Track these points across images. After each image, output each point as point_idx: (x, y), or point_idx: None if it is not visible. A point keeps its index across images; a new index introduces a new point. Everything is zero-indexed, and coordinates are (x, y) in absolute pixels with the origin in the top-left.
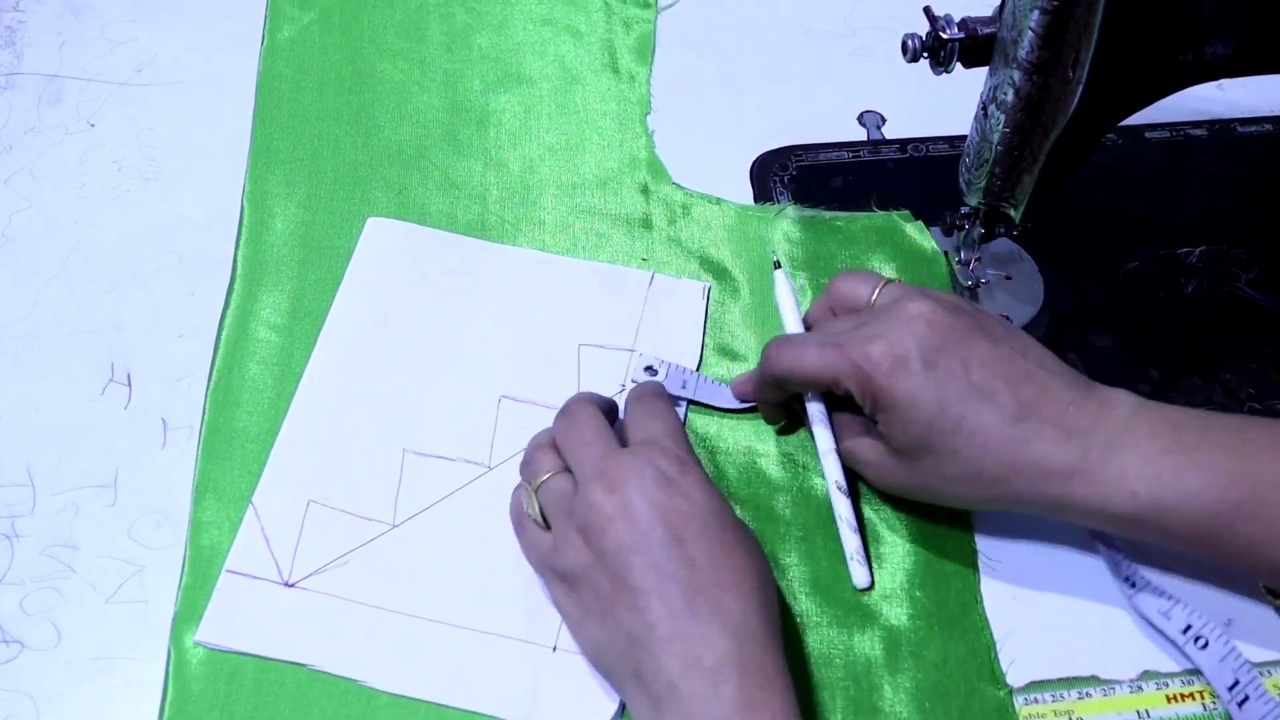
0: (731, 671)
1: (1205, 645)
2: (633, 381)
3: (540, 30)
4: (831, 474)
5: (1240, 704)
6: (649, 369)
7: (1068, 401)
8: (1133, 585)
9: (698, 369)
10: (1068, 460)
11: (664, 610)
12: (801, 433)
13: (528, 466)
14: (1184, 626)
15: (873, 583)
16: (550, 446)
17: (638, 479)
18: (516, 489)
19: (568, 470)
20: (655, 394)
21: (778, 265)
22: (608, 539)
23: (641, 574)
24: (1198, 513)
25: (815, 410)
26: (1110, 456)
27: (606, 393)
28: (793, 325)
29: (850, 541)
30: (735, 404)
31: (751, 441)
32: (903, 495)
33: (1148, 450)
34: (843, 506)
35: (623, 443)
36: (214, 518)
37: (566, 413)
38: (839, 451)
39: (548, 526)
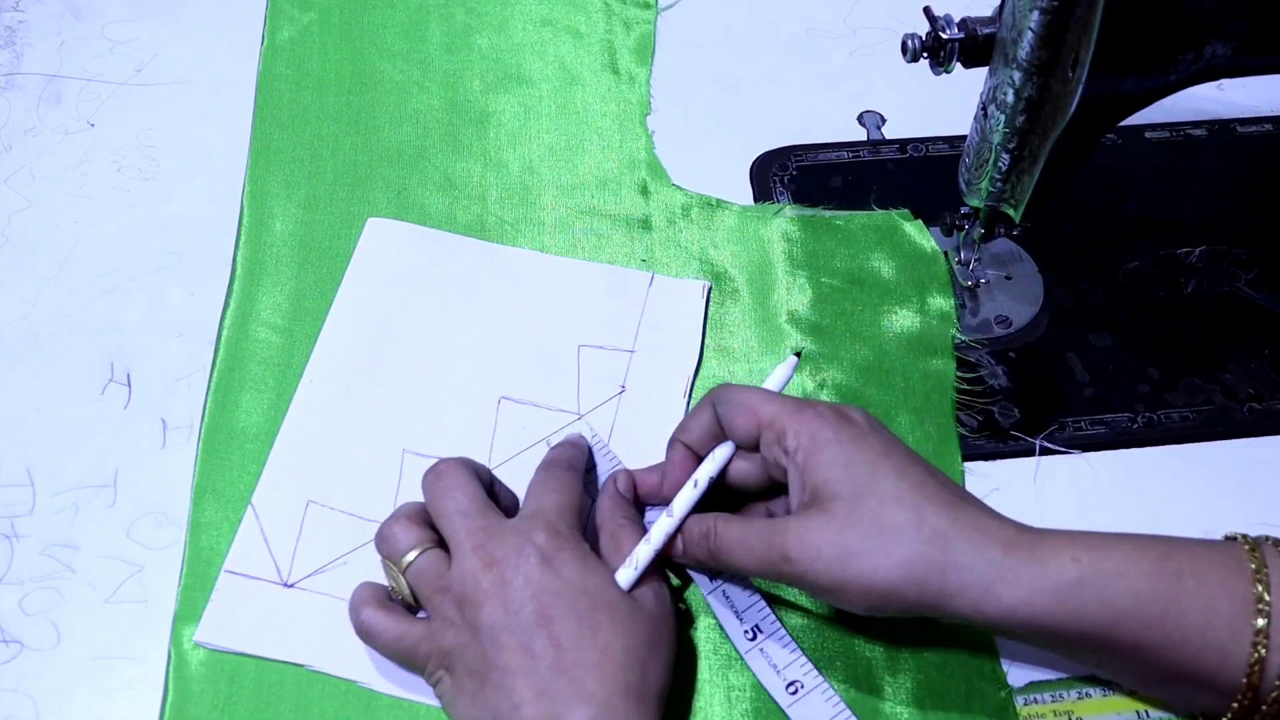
0: None
1: (798, 691)
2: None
3: (540, 31)
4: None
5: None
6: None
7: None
8: (753, 637)
9: (697, 368)
10: (1008, 532)
11: (529, 691)
12: None
13: (389, 543)
14: (788, 683)
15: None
16: (412, 520)
17: (515, 556)
18: (359, 586)
19: (437, 545)
20: (564, 465)
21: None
22: (482, 616)
23: (510, 654)
24: (1140, 583)
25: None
26: (1044, 536)
27: (604, 395)
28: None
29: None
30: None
31: None
32: (814, 582)
33: (1074, 532)
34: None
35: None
36: (213, 518)
37: (438, 475)
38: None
39: (416, 603)
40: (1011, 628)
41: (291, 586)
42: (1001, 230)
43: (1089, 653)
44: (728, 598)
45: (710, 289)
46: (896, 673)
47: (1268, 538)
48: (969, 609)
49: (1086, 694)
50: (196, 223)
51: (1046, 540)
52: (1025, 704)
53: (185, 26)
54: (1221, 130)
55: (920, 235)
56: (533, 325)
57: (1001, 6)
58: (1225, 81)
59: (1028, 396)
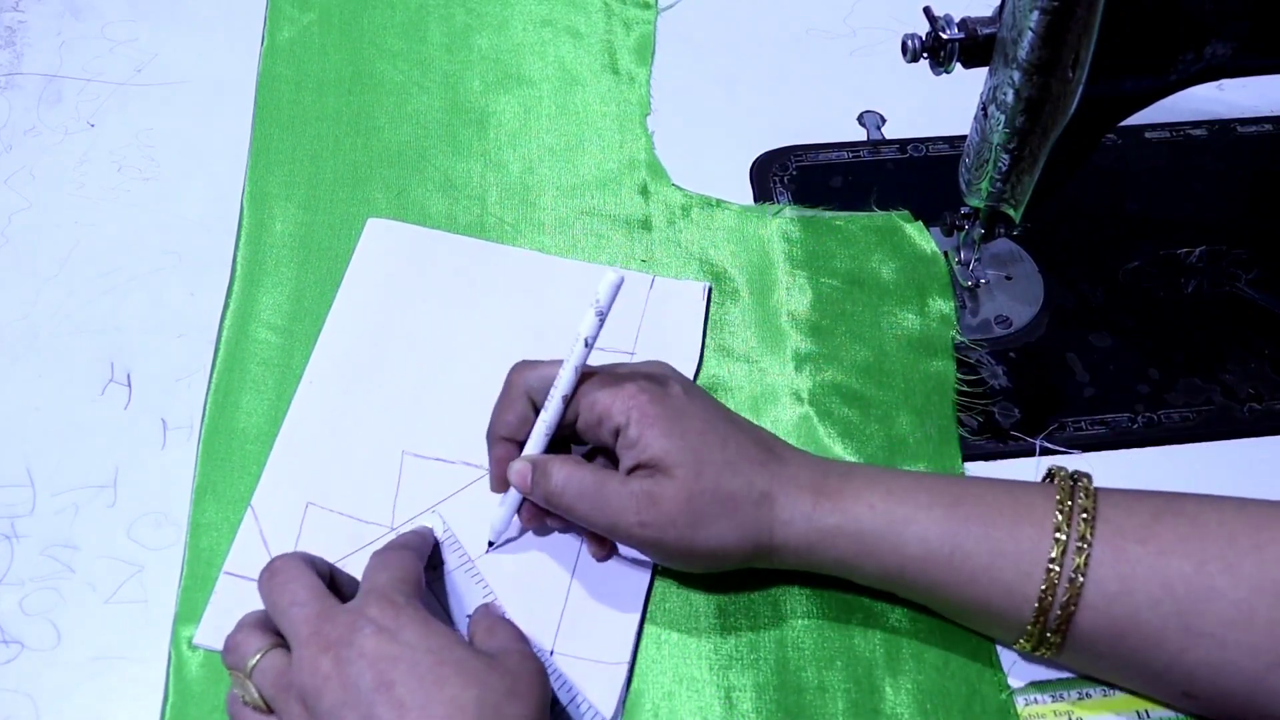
0: None
1: None
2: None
3: (540, 31)
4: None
5: None
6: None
7: (797, 450)
8: None
9: (698, 369)
10: (817, 478)
11: None
12: (801, 434)
13: (233, 653)
14: None
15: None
16: (255, 626)
17: (350, 632)
18: (232, 688)
19: (279, 645)
20: (398, 545)
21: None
22: (324, 701)
23: None
24: (929, 528)
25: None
26: (848, 480)
27: None
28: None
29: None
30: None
31: None
32: (667, 547)
33: (879, 476)
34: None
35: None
36: (213, 519)
37: (274, 572)
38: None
39: (269, 710)
40: (820, 568)
41: None
42: (1001, 230)
43: (890, 587)
44: None
45: (711, 290)
46: (897, 673)
47: (1081, 474)
48: (790, 557)
49: (1086, 694)
50: (196, 223)
51: (850, 485)
52: (1025, 704)
53: (185, 26)
54: (1221, 130)
55: (920, 237)
56: (532, 326)
57: (1001, 6)
58: (1225, 81)
59: (1028, 396)
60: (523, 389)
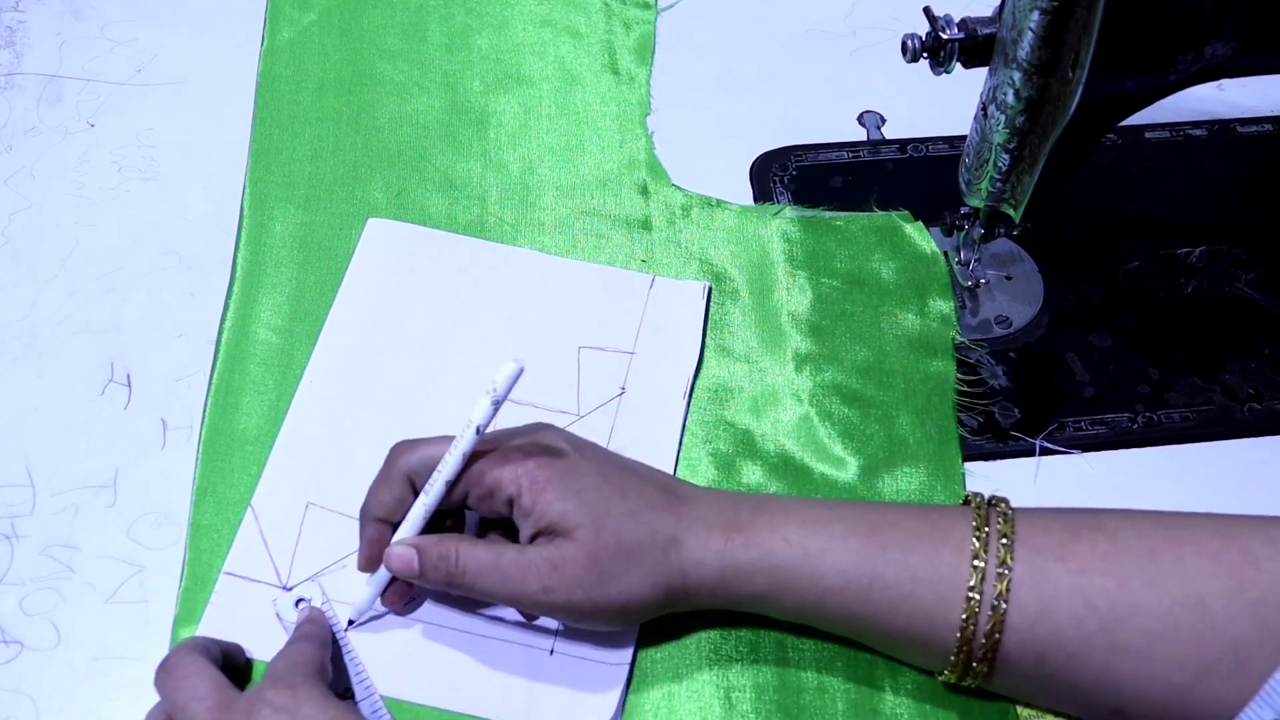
0: None
1: None
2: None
3: (540, 31)
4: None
5: None
6: (300, 601)
7: (703, 489)
8: None
9: (697, 369)
10: (727, 515)
11: None
12: (801, 434)
13: None
14: None
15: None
16: None
17: (248, 717)
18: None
19: None
20: (296, 638)
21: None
22: None
23: None
24: (845, 558)
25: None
26: (760, 513)
27: (604, 396)
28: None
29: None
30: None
31: (756, 442)
32: (577, 609)
33: (792, 506)
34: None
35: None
36: (213, 520)
37: (169, 670)
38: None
39: None
40: (739, 605)
41: (291, 589)
42: (1001, 230)
43: (812, 621)
44: None
45: (710, 290)
46: (897, 673)
47: (998, 499)
48: (707, 598)
49: None
50: (196, 223)
51: (763, 519)
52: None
53: (185, 26)
54: (1221, 130)
55: (920, 237)
56: (533, 326)
57: (1001, 6)
58: (1225, 81)
59: (1028, 397)
60: (403, 470)
